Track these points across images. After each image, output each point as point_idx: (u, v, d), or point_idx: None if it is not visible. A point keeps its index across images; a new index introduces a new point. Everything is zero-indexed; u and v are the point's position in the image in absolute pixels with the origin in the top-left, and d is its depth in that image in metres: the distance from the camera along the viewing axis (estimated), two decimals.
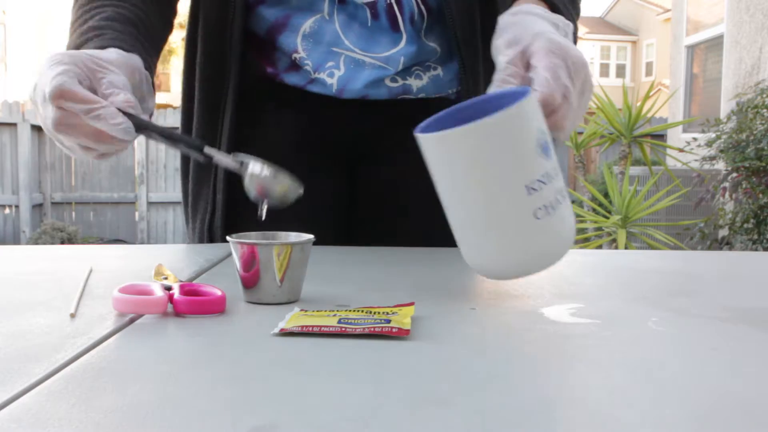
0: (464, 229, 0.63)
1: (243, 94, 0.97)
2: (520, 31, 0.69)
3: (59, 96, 0.66)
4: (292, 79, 0.97)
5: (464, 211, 0.61)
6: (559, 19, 0.74)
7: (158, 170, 7.20)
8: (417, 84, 0.98)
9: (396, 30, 0.94)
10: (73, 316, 0.57)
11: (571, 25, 0.76)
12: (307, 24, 0.94)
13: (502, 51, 0.69)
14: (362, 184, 1.04)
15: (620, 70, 22.48)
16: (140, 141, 7.09)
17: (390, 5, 0.93)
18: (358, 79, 0.96)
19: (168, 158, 7.09)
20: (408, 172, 0.95)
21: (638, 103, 4.86)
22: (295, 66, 0.96)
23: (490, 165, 0.59)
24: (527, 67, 0.68)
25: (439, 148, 0.60)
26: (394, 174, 1.01)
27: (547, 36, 0.67)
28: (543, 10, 0.75)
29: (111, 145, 0.70)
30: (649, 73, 21.39)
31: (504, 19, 0.74)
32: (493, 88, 0.66)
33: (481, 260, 0.63)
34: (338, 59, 0.95)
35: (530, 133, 0.59)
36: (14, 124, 6.78)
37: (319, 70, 0.95)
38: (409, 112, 0.96)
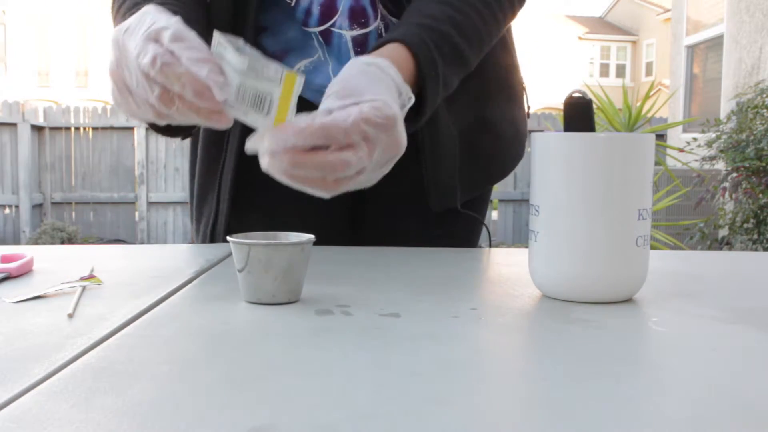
0: (559, 239, 0.63)
1: None
2: (362, 87, 0.65)
3: (177, 39, 0.60)
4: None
5: (571, 220, 0.62)
6: (407, 90, 0.70)
7: (158, 170, 7.20)
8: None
9: None
10: (71, 316, 0.57)
11: (413, 99, 0.71)
12: (302, 64, 0.94)
13: (334, 97, 0.64)
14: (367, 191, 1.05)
15: (620, 70, 22.49)
16: (140, 141, 7.11)
17: (380, 34, 0.93)
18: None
19: (168, 158, 7.09)
20: (404, 175, 0.95)
21: (638, 103, 4.85)
22: None
23: (620, 178, 0.61)
24: None
25: (572, 149, 0.62)
26: (392, 178, 1.02)
27: (384, 100, 0.63)
28: (396, 73, 0.70)
29: (189, 111, 0.62)
30: (649, 73, 21.40)
31: (352, 66, 0.69)
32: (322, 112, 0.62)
33: (562, 272, 0.63)
34: None
35: (652, 165, 0.63)
36: (14, 124, 6.78)
37: (315, 101, 0.97)
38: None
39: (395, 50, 0.75)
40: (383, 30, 0.92)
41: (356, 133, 0.60)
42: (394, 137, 0.64)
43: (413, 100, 0.71)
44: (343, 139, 0.60)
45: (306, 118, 0.60)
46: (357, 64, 0.70)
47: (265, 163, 0.60)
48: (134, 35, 0.63)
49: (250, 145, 0.61)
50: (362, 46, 0.92)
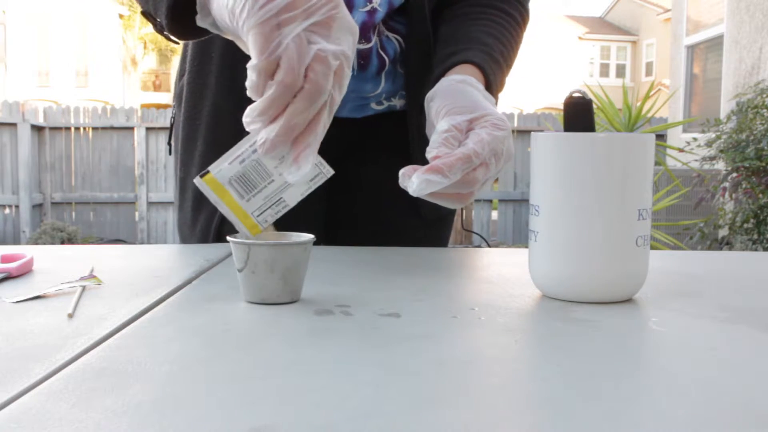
0: (559, 239, 0.63)
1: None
2: (470, 103, 0.73)
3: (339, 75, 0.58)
4: None
5: (571, 220, 0.62)
6: (491, 99, 0.79)
7: (158, 170, 7.20)
8: (400, 103, 1.02)
9: (378, 74, 0.96)
10: (70, 316, 0.57)
11: (497, 108, 0.80)
12: None
13: (450, 114, 0.71)
14: (348, 186, 1.05)
15: (620, 70, 22.49)
16: (140, 141, 7.11)
17: (378, 50, 0.95)
18: (342, 108, 0.99)
19: (168, 158, 7.09)
20: (393, 172, 0.96)
21: (638, 103, 4.85)
22: None
23: (620, 178, 0.61)
24: (466, 132, 0.70)
25: (572, 149, 0.62)
26: (378, 176, 1.02)
27: (498, 115, 0.72)
28: (482, 88, 0.79)
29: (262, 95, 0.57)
30: (649, 73, 21.41)
31: (449, 84, 0.77)
32: (434, 147, 0.68)
33: (562, 272, 0.63)
34: None
35: (652, 165, 0.63)
36: (14, 124, 6.78)
37: None
38: (396, 119, 1.00)
39: (472, 69, 0.84)
40: (379, 46, 0.95)
41: (488, 154, 0.67)
42: (509, 145, 0.71)
43: (497, 108, 0.79)
44: (479, 162, 0.67)
45: (444, 149, 0.67)
46: (450, 81, 0.78)
47: (414, 191, 0.65)
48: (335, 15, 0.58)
49: (403, 182, 0.66)
50: (365, 59, 0.94)
